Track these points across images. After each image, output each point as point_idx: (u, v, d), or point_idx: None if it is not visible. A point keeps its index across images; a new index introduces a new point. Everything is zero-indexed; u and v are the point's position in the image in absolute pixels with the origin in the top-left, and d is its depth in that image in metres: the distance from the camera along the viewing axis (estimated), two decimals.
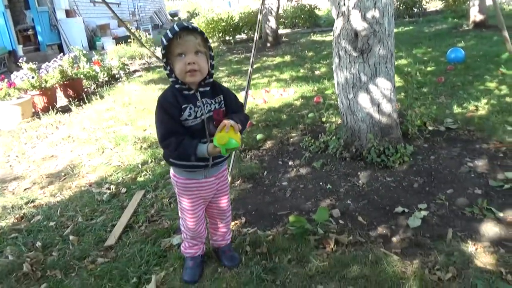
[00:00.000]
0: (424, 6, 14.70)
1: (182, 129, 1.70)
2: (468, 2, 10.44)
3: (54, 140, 4.51)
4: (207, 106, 1.74)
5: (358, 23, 2.86)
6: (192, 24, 1.64)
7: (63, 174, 3.59)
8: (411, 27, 11.01)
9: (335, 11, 3.12)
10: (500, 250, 2.04)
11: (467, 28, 9.59)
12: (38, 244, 2.46)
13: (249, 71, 2.85)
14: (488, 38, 7.86)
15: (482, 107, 4.06)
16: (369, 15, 2.83)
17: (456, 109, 4.06)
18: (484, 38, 7.92)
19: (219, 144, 1.59)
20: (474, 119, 3.73)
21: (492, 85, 4.80)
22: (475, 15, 9.47)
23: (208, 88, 1.76)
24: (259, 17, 3.02)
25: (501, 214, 2.33)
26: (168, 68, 1.69)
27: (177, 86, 1.71)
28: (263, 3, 3.17)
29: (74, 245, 2.44)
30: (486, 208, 2.38)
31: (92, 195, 3.07)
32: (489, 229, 2.22)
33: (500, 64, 5.66)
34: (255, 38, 2.87)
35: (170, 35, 1.60)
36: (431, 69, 5.95)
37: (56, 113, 5.53)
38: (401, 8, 13.24)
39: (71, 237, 2.51)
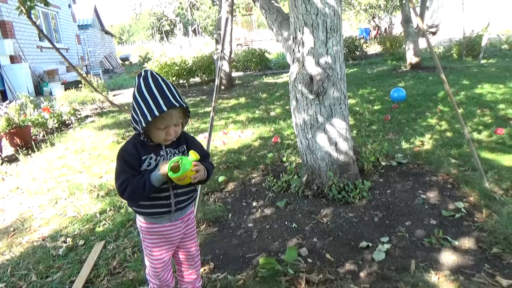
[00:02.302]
0: (365, 50, 15.90)
1: None
2: (403, 46, 11.45)
3: (0, 192, 4.21)
4: (170, 156, 1.75)
5: (313, 68, 3.05)
6: (177, 99, 1.61)
7: (11, 229, 3.34)
8: (355, 69, 11.80)
9: (289, 57, 3.31)
10: (460, 277, 2.16)
11: (405, 69, 10.47)
12: None
13: (211, 115, 2.90)
14: (425, 78, 8.60)
15: (427, 142, 4.38)
16: (322, 60, 3.03)
17: (405, 145, 4.35)
18: (421, 79, 8.67)
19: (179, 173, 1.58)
20: (421, 153, 4.01)
21: (433, 121, 5.22)
22: (411, 58, 10.39)
23: (174, 139, 1.77)
24: (219, 63, 3.12)
25: (456, 243, 2.48)
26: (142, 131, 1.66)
27: (141, 138, 1.71)
28: (222, 51, 3.28)
29: None
30: (442, 238, 2.53)
31: (46, 250, 2.87)
32: (448, 257, 2.35)
33: (438, 102, 6.20)
34: (215, 84, 2.95)
35: (156, 113, 1.56)
36: (377, 107, 6.36)
37: (2, 163, 5.20)
38: (344, 51, 14.21)
39: None
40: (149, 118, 1.58)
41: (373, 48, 17.42)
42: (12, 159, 5.48)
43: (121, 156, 1.71)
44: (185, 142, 1.82)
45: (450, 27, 15.77)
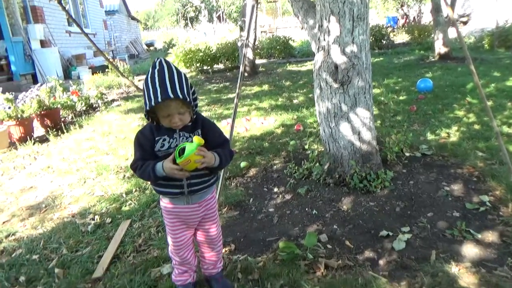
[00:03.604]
0: (392, 39, 15.52)
1: (152, 158, 1.77)
2: (432, 36, 11.13)
3: (32, 171, 4.41)
4: (183, 139, 1.79)
5: (338, 57, 3.03)
6: (175, 91, 1.64)
7: (43, 205, 3.51)
8: (381, 58, 11.57)
9: (314, 45, 3.30)
10: (481, 270, 2.15)
11: (433, 59, 10.19)
12: (22, 278, 2.39)
13: (235, 102, 2.94)
14: (453, 69, 8.37)
15: (453, 134, 4.30)
16: (348, 49, 3.01)
17: (430, 136, 4.28)
18: (450, 69, 8.43)
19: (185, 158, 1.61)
20: (447, 145, 3.95)
21: (460, 113, 5.10)
22: (439, 48, 10.09)
23: (189, 124, 1.81)
24: (243, 50, 3.15)
25: (479, 236, 2.46)
26: (148, 116, 1.76)
27: (154, 123, 1.80)
28: (247, 38, 3.31)
29: (60, 278, 2.38)
30: (465, 230, 2.51)
31: (76, 226, 3.01)
32: (470, 250, 2.34)
33: (466, 93, 6.04)
34: (240, 71, 2.98)
35: (153, 103, 1.63)
36: (403, 98, 6.26)
37: (34, 143, 5.42)
38: (371, 40, 13.92)
39: (56, 270, 2.44)
40: (147, 107, 1.67)
41: (401, 37, 16.96)
42: (43, 140, 5.70)
43: (136, 137, 1.83)
44: (202, 127, 1.84)
45: (482, 17, 15.19)
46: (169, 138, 1.78)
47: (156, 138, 1.77)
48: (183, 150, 1.62)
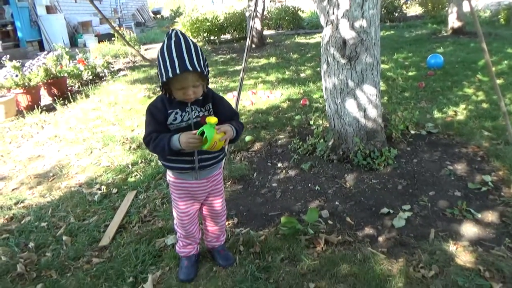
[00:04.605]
0: (404, 11, 15.08)
1: (165, 131, 1.78)
2: (446, 9, 10.79)
3: (40, 139, 4.47)
4: (195, 112, 1.80)
5: (346, 32, 2.97)
6: (193, 63, 1.63)
7: (51, 174, 3.58)
8: (392, 32, 11.29)
9: (323, 19, 3.22)
10: (478, 249, 2.19)
11: (446, 34, 9.92)
12: (31, 244, 2.47)
13: (241, 75, 2.92)
14: (466, 45, 8.16)
15: (460, 112, 4.25)
16: (357, 24, 2.94)
17: (437, 114, 4.24)
18: (462, 45, 8.23)
19: (209, 141, 1.62)
20: (453, 124, 3.92)
21: (470, 91, 5.02)
22: (453, 22, 9.80)
23: (200, 97, 1.82)
24: (251, 23, 3.09)
25: (479, 215, 2.48)
26: (162, 87, 1.75)
27: (167, 95, 1.79)
28: (255, 10, 3.24)
29: (67, 245, 2.47)
30: (465, 210, 2.53)
31: (83, 196, 3.08)
32: (468, 229, 2.37)
33: (477, 70, 5.93)
34: (247, 44, 2.94)
35: (170, 75, 1.62)
36: (412, 74, 6.15)
37: (41, 112, 5.47)
38: (382, 12, 13.54)
39: (64, 238, 2.53)
40: (164, 79, 1.64)
41: (413, 10, 16.47)
42: (50, 108, 5.74)
43: (149, 109, 1.81)
44: (212, 101, 1.86)
45: None
46: (181, 111, 1.78)
47: (169, 111, 1.77)
48: (202, 134, 1.64)
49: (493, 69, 2.77)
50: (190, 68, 1.62)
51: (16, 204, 3.07)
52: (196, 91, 1.73)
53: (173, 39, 1.66)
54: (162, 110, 1.77)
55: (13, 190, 3.34)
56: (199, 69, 1.64)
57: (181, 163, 1.86)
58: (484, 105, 4.42)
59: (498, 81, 2.99)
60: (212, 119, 1.64)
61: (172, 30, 1.71)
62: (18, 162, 3.92)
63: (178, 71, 1.61)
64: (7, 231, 2.68)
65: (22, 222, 2.79)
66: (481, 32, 2.69)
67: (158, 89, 6.32)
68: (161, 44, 1.71)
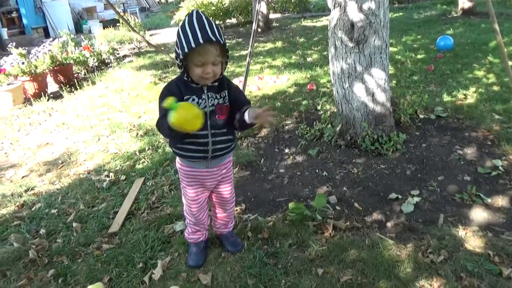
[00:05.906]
0: None
1: None
2: None
3: (48, 127, 4.49)
4: (211, 100, 1.78)
5: (355, 14, 2.91)
6: (215, 35, 1.62)
7: (60, 161, 3.61)
8: (401, 13, 11.07)
9: (331, 1, 3.15)
10: (488, 234, 2.17)
11: (456, 15, 9.71)
12: (42, 231, 2.51)
13: (247, 60, 2.88)
14: (476, 26, 7.98)
15: (470, 96, 4.18)
16: (365, 6, 2.88)
17: (446, 98, 4.18)
18: (472, 26, 8.04)
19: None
20: (463, 107, 3.86)
21: (480, 73, 4.93)
22: (463, 2, 9.58)
23: (216, 84, 1.80)
24: (257, 6, 3.04)
25: (489, 200, 2.46)
26: (182, 64, 1.71)
27: (185, 78, 1.75)
28: None
29: (78, 232, 2.50)
30: (475, 194, 2.51)
31: (91, 183, 3.11)
32: (478, 214, 2.35)
33: (488, 52, 5.80)
34: (252, 28, 2.90)
35: (193, 45, 1.60)
36: (421, 56, 6.05)
37: (48, 99, 5.49)
38: None
39: (74, 224, 2.56)
40: (186, 50, 1.61)
41: None
42: (57, 96, 5.75)
43: (163, 94, 1.77)
44: (228, 89, 1.84)
45: None
46: (198, 98, 1.75)
47: (185, 97, 1.74)
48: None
49: (505, 50, 2.70)
50: (213, 38, 1.61)
51: (26, 191, 3.10)
52: (215, 70, 1.70)
53: (194, 15, 1.66)
54: (177, 94, 1.72)
55: (23, 177, 3.37)
56: (221, 40, 1.64)
57: (194, 152, 1.84)
58: (495, 88, 4.34)
59: (510, 63, 2.92)
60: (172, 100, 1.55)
61: (193, 10, 1.71)
62: (27, 149, 3.96)
63: (201, 41, 1.59)
64: (19, 217, 2.72)
65: (33, 209, 2.83)
66: (493, 11, 2.62)
67: (165, 75, 6.31)
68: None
